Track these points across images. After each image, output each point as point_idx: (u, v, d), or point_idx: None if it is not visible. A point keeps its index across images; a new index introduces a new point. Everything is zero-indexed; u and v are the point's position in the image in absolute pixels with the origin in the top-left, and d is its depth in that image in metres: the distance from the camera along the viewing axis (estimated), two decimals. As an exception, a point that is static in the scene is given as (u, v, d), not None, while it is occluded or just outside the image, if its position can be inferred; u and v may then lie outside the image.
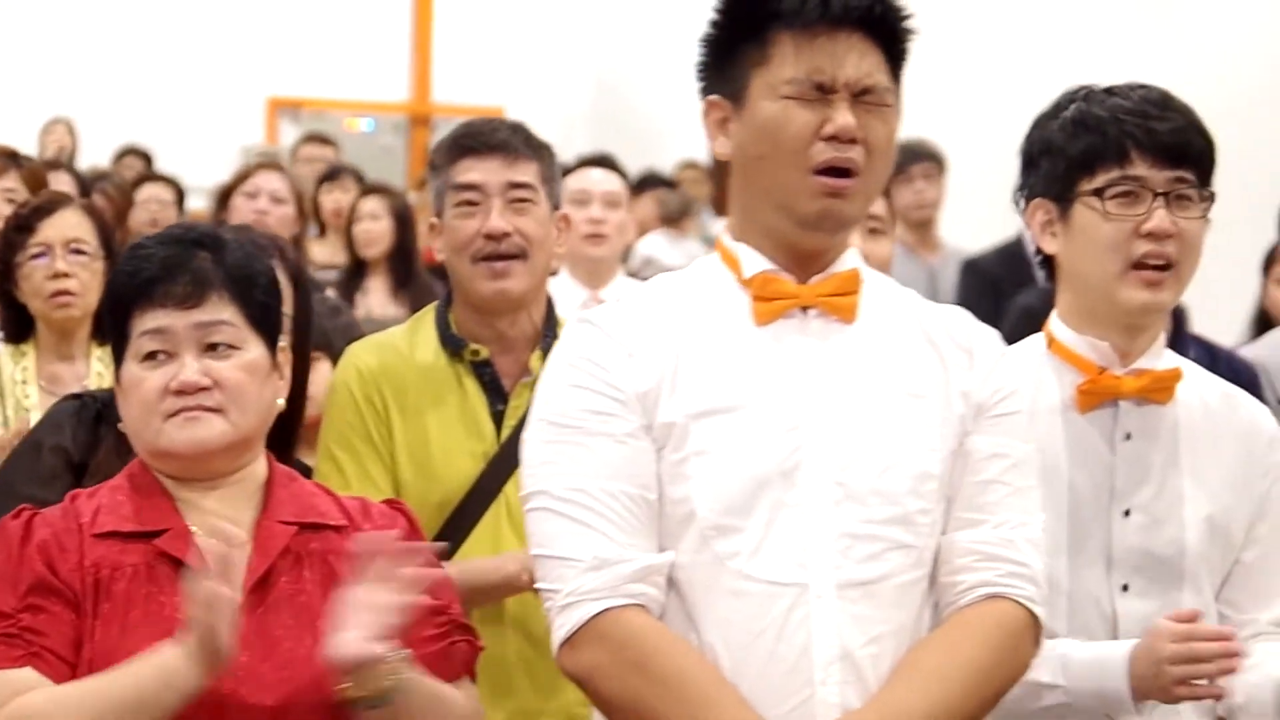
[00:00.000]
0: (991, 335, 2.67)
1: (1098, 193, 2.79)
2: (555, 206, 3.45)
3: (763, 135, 2.54)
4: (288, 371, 2.75)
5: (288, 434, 3.03)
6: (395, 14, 12.61)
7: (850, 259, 2.62)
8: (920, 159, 7.66)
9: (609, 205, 5.28)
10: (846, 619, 2.48)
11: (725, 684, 2.46)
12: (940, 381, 2.59)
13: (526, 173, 3.39)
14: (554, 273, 3.54)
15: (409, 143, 12.74)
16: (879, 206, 4.02)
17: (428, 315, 3.46)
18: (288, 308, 3.10)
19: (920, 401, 2.57)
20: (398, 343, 3.40)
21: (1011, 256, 6.43)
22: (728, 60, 2.58)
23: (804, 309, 2.58)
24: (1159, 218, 2.77)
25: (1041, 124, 2.89)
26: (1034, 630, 2.56)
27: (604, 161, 5.41)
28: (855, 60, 2.54)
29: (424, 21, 12.66)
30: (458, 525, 3.28)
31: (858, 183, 2.54)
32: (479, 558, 3.22)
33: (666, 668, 2.45)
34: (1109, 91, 2.85)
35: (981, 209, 6.46)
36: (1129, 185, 2.78)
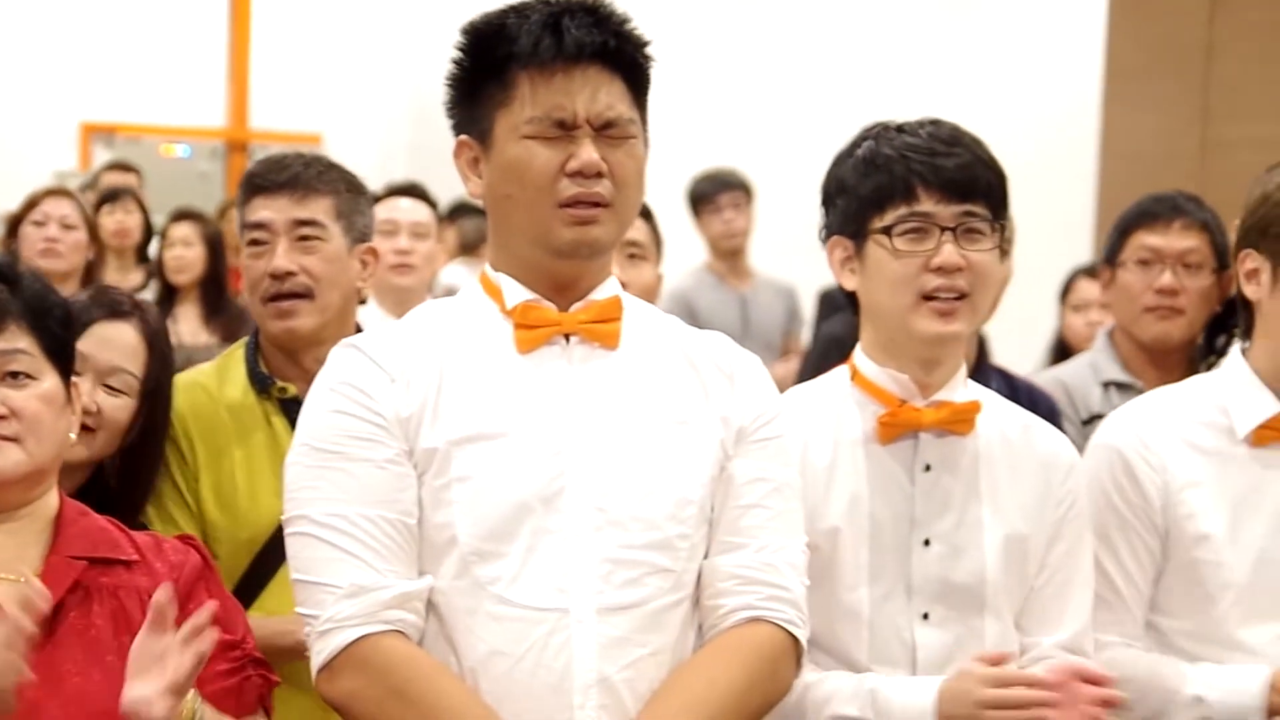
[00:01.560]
0: (753, 361, 2.71)
1: (887, 230, 2.83)
2: (360, 239, 3.44)
3: (509, 176, 2.57)
4: (79, 407, 2.73)
5: (140, 493, 3.04)
6: (211, 39, 12.48)
7: (610, 286, 2.66)
8: (728, 188, 7.72)
9: (416, 235, 5.26)
10: (605, 643, 2.52)
11: (485, 708, 2.48)
12: (702, 406, 2.63)
13: (315, 209, 3.38)
14: (363, 302, 3.53)
15: (226, 169, 12.63)
16: (640, 233, 4.04)
17: (237, 352, 3.45)
18: (138, 369, 3.13)
19: (682, 427, 2.61)
20: (207, 381, 3.38)
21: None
22: (473, 101, 2.62)
23: (566, 336, 2.62)
24: (947, 252, 2.81)
25: (838, 163, 2.94)
26: (794, 653, 2.61)
27: (412, 190, 5.39)
28: (595, 95, 2.57)
29: (241, 47, 12.55)
30: (266, 563, 3.26)
31: (607, 211, 2.57)
32: (273, 618, 3.18)
33: (425, 693, 2.47)
34: (900, 129, 2.89)
35: (795, 238, 6.52)
36: (917, 222, 2.82)
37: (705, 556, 2.61)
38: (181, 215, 7.45)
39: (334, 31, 12.42)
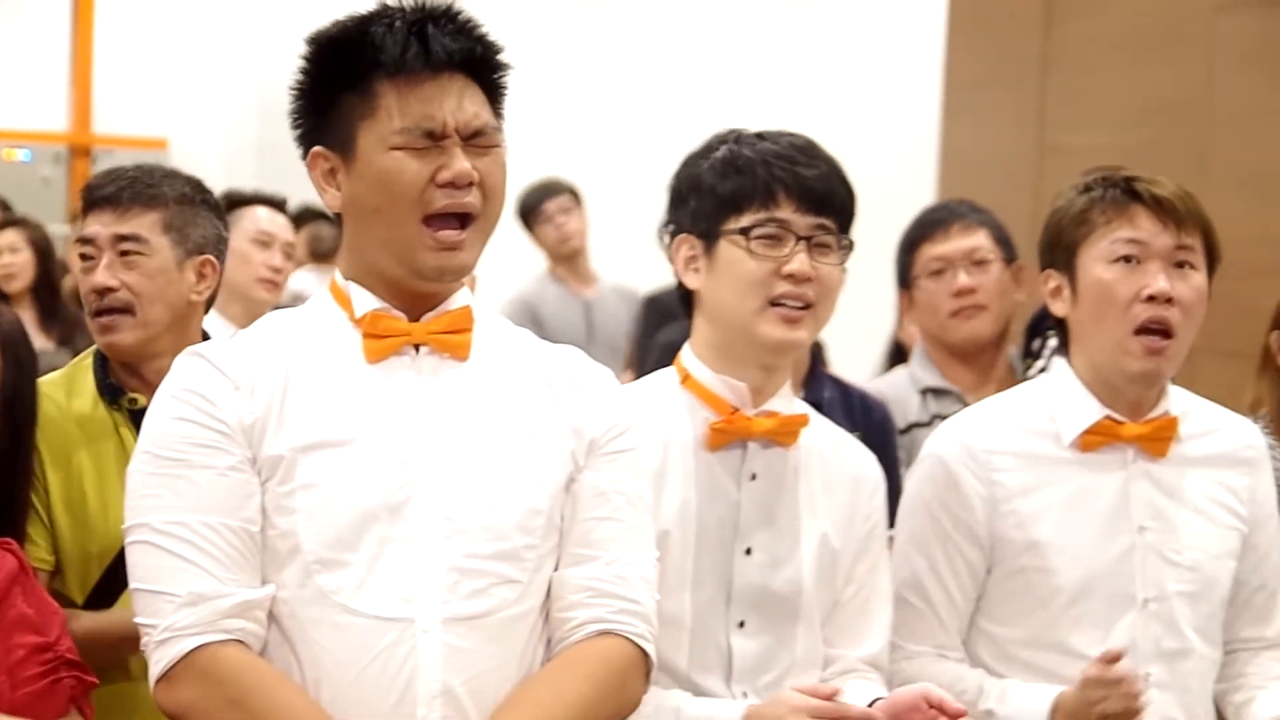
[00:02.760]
0: (606, 373, 2.71)
1: (744, 231, 2.85)
2: (196, 251, 3.43)
3: (376, 188, 2.55)
4: None
5: (18, 504, 3.04)
6: (54, 42, 12.34)
7: (462, 297, 2.65)
8: (552, 194, 7.74)
9: (287, 255, 5.28)
10: (451, 654, 2.50)
11: (327, 719, 2.46)
12: (553, 418, 2.62)
13: (138, 224, 3.38)
14: (208, 309, 3.52)
15: (69, 174, 12.48)
16: None
17: (85, 362, 3.43)
18: None
19: (532, 438, 2.60)
20: (54, 392, 3.35)
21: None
22: (328, 112, 2.59)
23: (416, 347, 2.60)
24: (800, 261, 2.84)
25: (691, 163, 2.95)
26: (644, 666, 2.61)
27: (279, 205, 5.38)
28: (461, 104, 2.56)
29: (84, 50, 12.41)
30: (117, 575, 3.23)
31: (472, 232, 2.58)
32: (125, 609, 3.17)
33: (265, 703, 2.44)
34: (759, 136, 2.92)
35: (634, 242, 6.57)
36: (774, 228, 2.86)
37: (556, 568, 2.61)
38: (6, 222, 7.35)
39: (178, 34, 12.31)
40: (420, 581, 2.51)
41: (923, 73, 8.84)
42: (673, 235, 2.97)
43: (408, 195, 2.54)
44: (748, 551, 2.89)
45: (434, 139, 2.55)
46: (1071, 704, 2.97)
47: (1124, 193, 3.09)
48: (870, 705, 2.76)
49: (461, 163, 2.55)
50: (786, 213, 2.86)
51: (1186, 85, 7.61)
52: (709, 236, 2.89)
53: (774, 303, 2.85)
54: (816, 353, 4.11)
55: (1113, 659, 2.92)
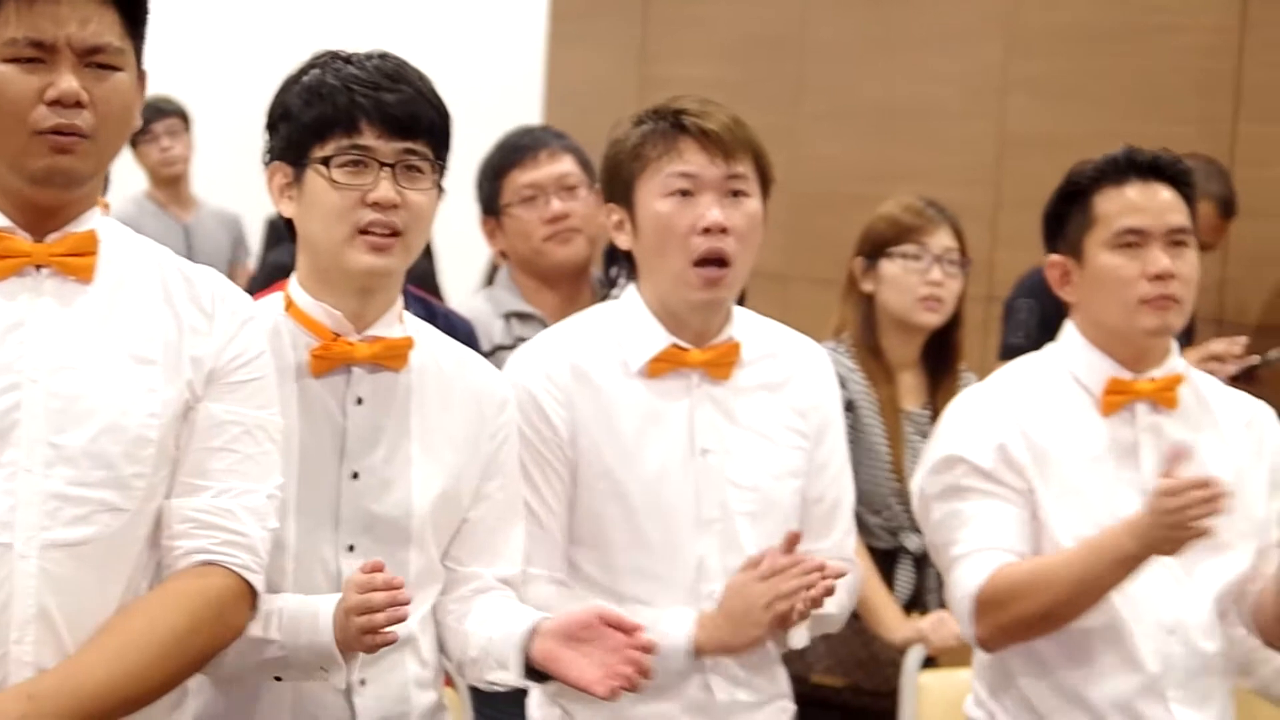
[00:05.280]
0: (241, 300, 2.68)
1: (325, 161, 2.82)
2: None
3: None
4: None
5: None
6: None
7: (90, 219, 2.60)
8: (163, 115, 7.60)
9: None
10: (47, 580, 2.48)
11: None
12: (173, 346, 2.59)
13: None
14: None
15: None
16: None
17: None
18: None
19: (147, 366, 2.57)
20: None
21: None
22: None
23: (38, 268, 2.55)
24: (384, 188, 2.80)
25: (285, 89, 2.90)
26: (247, 598, 2.61)
27: None
28: (81, 21, 2.50)
29: None
30: None
31: (87, 142, 2.52)
32: None
33: None
34: (347, 60, 2.87)
35: (238, 167, 6.48)
36: (357, 155, 2.81)
37: (167, 497, 2.59)
38: None
39: None
40: (20, 507, 2.48)
41: (529, 2, 8.87)
42: (269, 163, 2.92)
43: (14, 110, 2.49)
44: (354, 475, 2.87)
45: (44, 52, 2.50)
46: (718, 622, 3.08)
47: (673, 126, 3.13)
48: (536, 625, 2.80)
49: (69, 82, 2.50)
50: (370, 139, 2.81)
51: (782, 20, 7.80)
52: (298, 165, 2.86)
53: (362, 231, 2.82)
54: (425, 275, 4.11)
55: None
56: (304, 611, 2.71)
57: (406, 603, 2.64)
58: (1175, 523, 3.09)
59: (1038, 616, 3.21)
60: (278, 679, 2.79)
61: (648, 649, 2.73)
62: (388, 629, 2.63)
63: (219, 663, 2.65)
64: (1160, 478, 3.14)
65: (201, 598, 2.56)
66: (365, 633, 2.63)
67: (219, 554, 2.57)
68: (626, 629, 2.74)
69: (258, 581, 2.62)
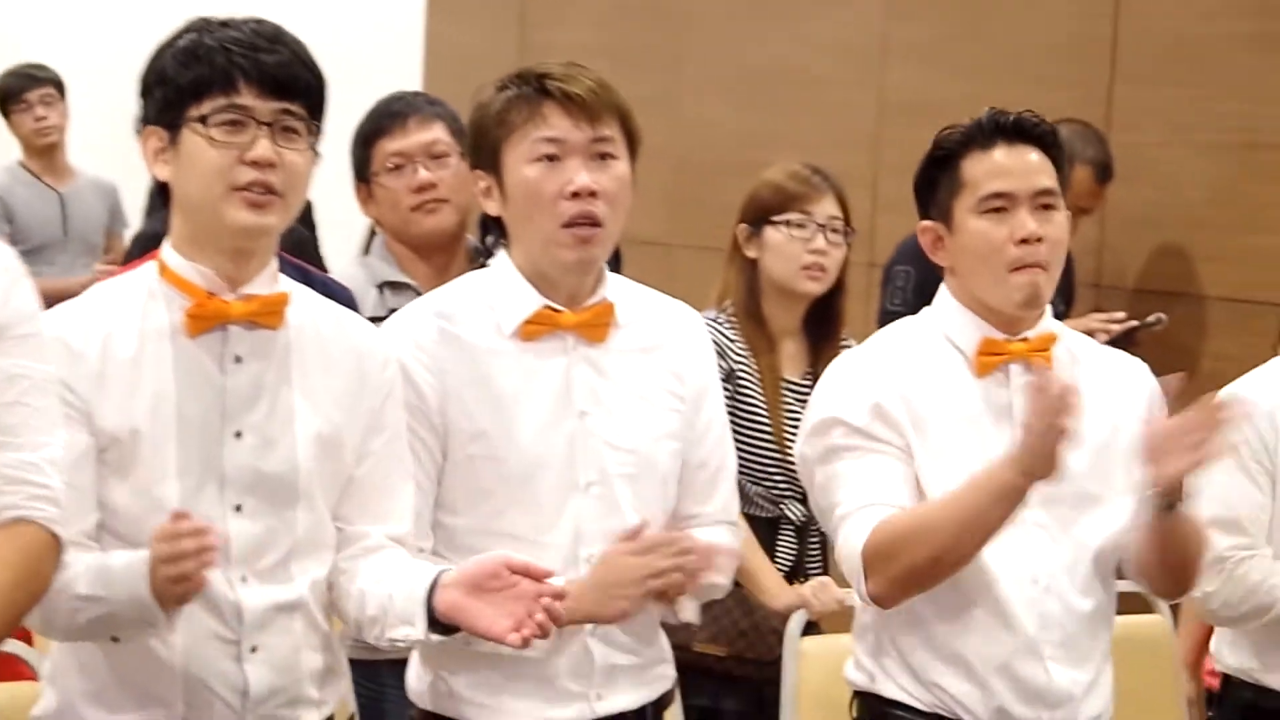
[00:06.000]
0: (11, 257, 2.68)
1: (203, 119, 2.83)
2: None
3: None
4: None
5: None
6: None
7: None
8: (38, 84, 7.54)
9: None
10: None
11: None
12: None
13: None
14: None
15: None
16: None
17: None
18: None
19: None
20: None
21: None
22: None
23: None
24: (262, 146, 2.81)
25: (159, 54, 2.90)
26: (55, 551, 2.63)
27: None
28: None
29: None
30: None
31: None
32: None
33: None
34: (224, 24, 2.88)
35: (115, 136, 6.42)
36: (235, 114, 2.82)
37: None
38: None
39: None
40: None
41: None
42: (143, 128, 2.92)
43: None
44: (238, 435, 2.87)
45: None
46: (585, 591, 3.05)
47: (537, 91, 3.12)
48: (438, 577, 2.81)
49: None
50: (248, 99, 2.83)
51: (663, -13, 7.81)
52: (174, 127, 2.86)
53: (239, 190, 2.82)
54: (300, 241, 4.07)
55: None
56: (125, 566, 2.74)
57: (214, 548, 2.69)
58: (1044, 428, 3.06)
59: (928, 563, 3.20)
60: (115, 640, 2.81)
61: (559, 595, 2.74)
62: (196, 576, 2.68)
63: (49, 624, 2.70)
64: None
65: (21, 554, 2.58)
66: (174, 581, 2.68)
67: (28, 509, 2.59)
68: (535, 575, 2.75)
69: (64, 534, 2.64)
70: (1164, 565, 3.34)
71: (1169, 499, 3.21)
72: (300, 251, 4.03)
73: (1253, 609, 3.79)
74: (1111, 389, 3.37)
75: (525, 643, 2.73)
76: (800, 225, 4.37)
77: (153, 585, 2.69)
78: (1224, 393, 3.84)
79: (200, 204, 2.85)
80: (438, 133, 4.21)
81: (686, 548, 3.08)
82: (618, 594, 3.07)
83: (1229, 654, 3.94)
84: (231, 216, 2.83)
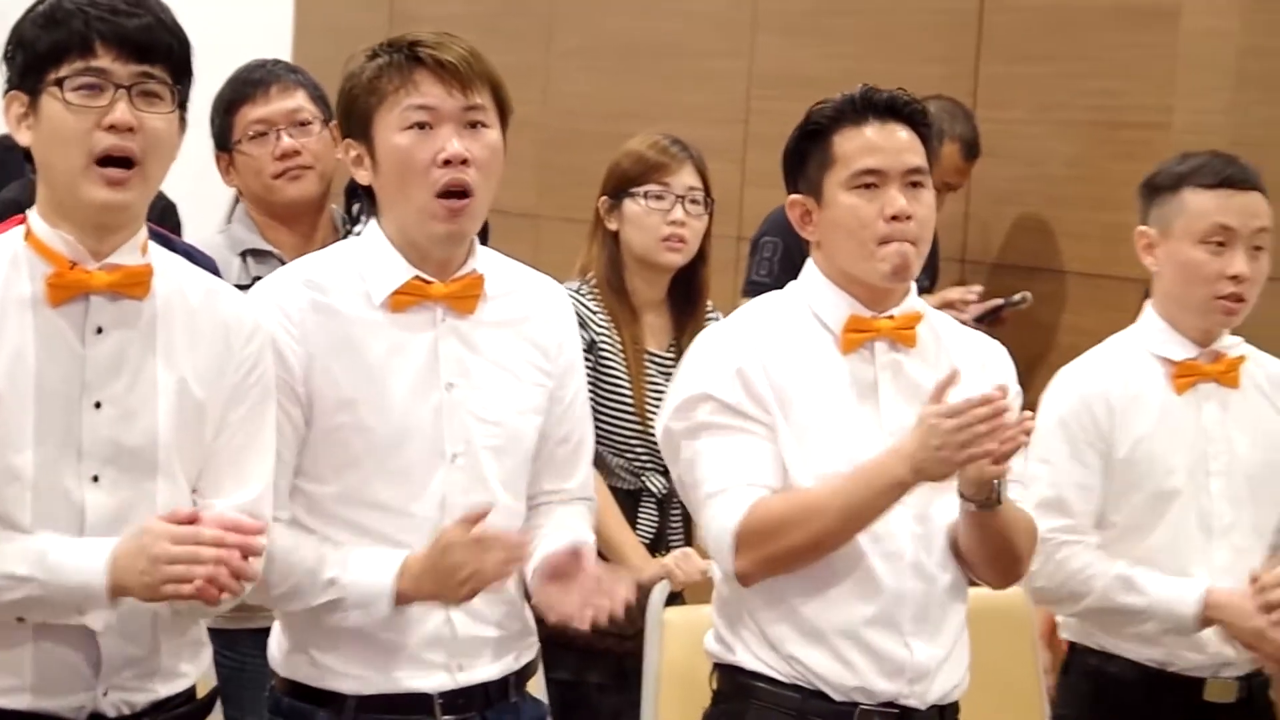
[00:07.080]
0: None
1: (60, 83, 2.80)
2: None
3: None
4: None
5: None
6: None
7: None
8: None
9: None
10: None
11: None
12: None
13: None
14: None
15: None
16: None
17: None
18: None
19: None
20: None
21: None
22: None
23: None
24: (120, 110, 2.79)
25: (22, 19, 2.87)
26: None
27: None
28: None
29: None
30: None
31: None
32: None
33: None
34: None
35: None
36: (92, 77, 2.79)
37: None
38: None
39: None
40: None
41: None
42: (5, 93, 2.90)
43: None
44: (97, 405, 2.84)
45: None
46: (425, 570, 3.06)
47: (408, 59, 3.11)
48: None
49: None
50: (105, 62, 2.80)
51: (534, -43, 7.79)
52: (34, 92, 2.83)
53: (100, 161, 2.80)
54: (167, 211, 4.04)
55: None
56: (76, 553, 2.75)
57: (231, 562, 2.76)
58: (954, 443, 3.13)
59: (807, 547, 3.24)
60: (20, 620, 2.78)
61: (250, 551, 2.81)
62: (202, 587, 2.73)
63: None
64: (930, 403, 3.19)
65: None
66: (168, 582, 2.73)
67: None
68: (246, 530, 2.81)
69: None
70: (985, 559, 3.38)
71: (980, 496, 3.27)
72: (162, 219, 4.00)
73: (1069, 595, 3.86)
74: (971, 371, 3.41)
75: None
76: (659, 197, 4.39)
77: (127, 577, 2.74)
78: (1061, 372, 3.91)
79: (60, 174, 2.83)
80: (300, 100, 4.19)
81: (514, 543, 3.08)
82: (454, 582, 3.07)
83: (1073, 621, 4.00)
84: (89, 192, 2.80)
